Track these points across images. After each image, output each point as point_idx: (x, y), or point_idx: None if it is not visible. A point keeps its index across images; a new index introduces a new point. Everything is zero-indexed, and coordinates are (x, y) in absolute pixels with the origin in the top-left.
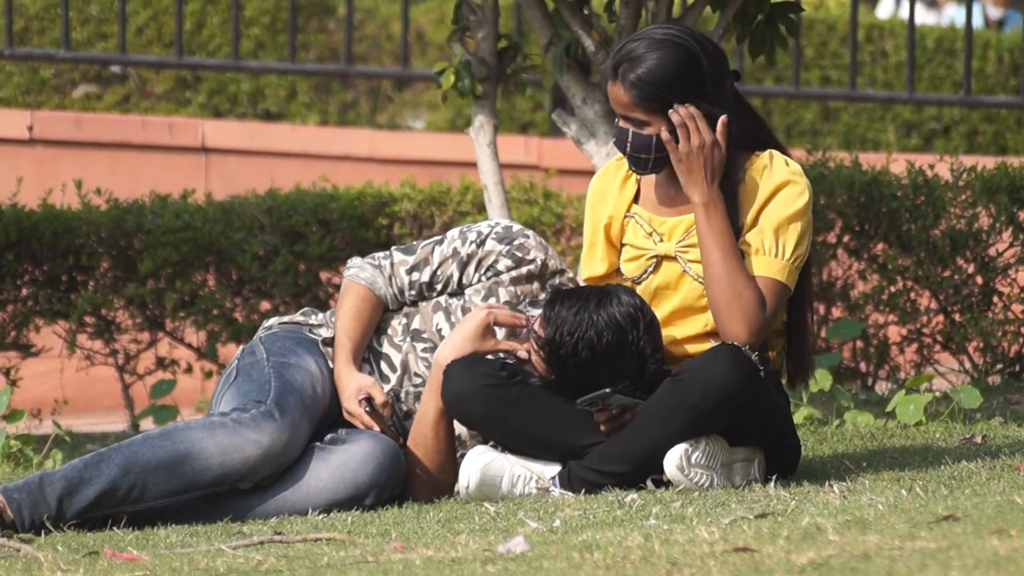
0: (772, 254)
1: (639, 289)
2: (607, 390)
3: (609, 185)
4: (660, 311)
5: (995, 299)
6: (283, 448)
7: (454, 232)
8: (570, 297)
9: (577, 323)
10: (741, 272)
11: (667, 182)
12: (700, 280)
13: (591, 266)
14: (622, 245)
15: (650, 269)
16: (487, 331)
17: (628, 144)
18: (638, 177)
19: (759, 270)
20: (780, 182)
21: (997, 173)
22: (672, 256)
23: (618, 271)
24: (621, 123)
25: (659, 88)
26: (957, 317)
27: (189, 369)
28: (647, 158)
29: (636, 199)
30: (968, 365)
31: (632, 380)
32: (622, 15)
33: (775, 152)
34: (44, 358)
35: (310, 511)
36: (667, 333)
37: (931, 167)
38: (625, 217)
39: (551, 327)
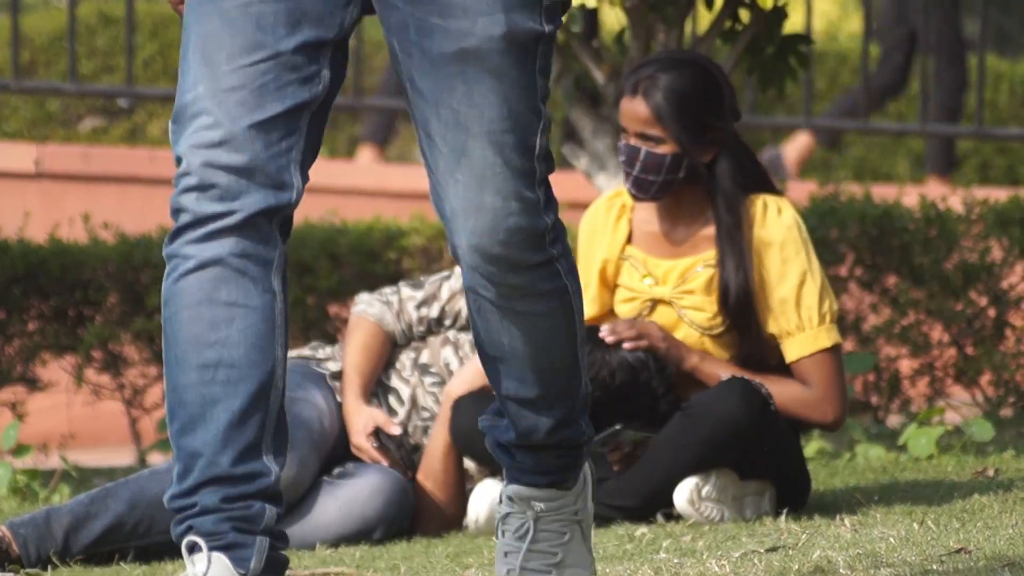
0: (803, 329)
1: None
2: (618, 427)
3: (601, 225)
4: None
5: (1008, 332)
6: (291, 483)
7: None
8: None
9: (590, 363)
10: (786, 399)
11: (661, 222)
12: (696, 327)
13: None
14: (616, 286)
15: (645, 312)
16: None
17: (639, 163)
18: (630, 216)
19: (802, 351)
20: (772, 240)
21: (1010, 205)
22: (667, 301)
23: (612, 312)
24: (632, 141)
25: (681, 101)
26: (969, 350)
27: None
28: (654, 180)
29: (630, 239)
30: (980, 398)
31: (644, 419)
32: (632, 48)
33: (767, 198)
34: (51, 392)
35: (318, 545)
36: None
37: (943, 200)
38: (619, 259)
39: None
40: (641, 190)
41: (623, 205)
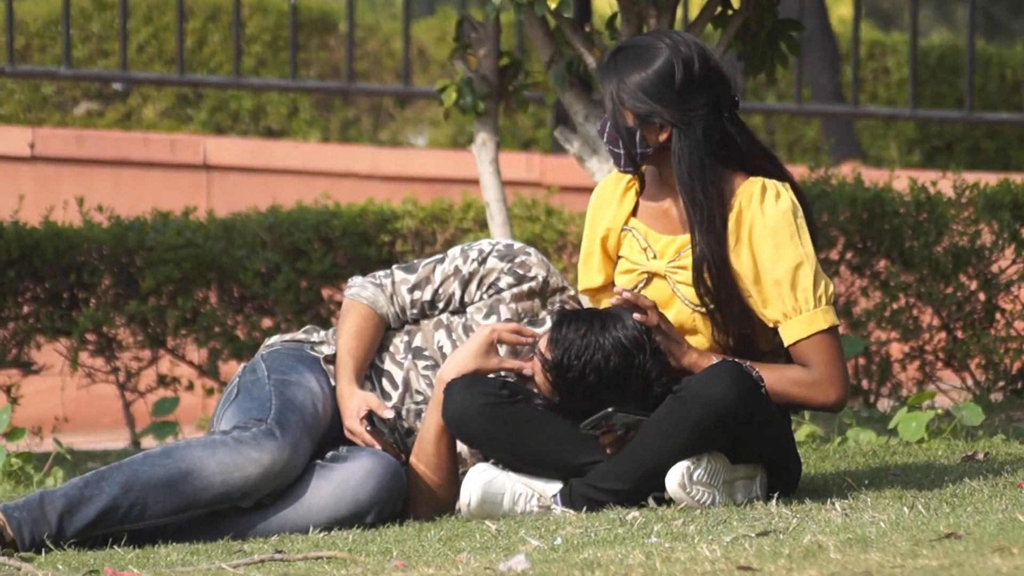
0: (800, 311)
1: None
2: (610, 410)
3: (609, 197)
4: None
5: (997, 316)
6: (284, 466)
7: (455, 250)
8: (576, 320)
9: (584, 346)
10: (786, 384)
11: (664, 198)
12: (688, 304)
13: (587, 277)
14: (619, 257)
15: (641, 284)
16: (491, 349)
17: (605, 133)
18: (638, 190)
19: (799, 333)
20: (767, 224)
21: (999, 190)
22: (662, 275)
23: (613, 284)
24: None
25: (624, 86)
26: (959, 334)
27: (190, 387)
28: (619, 153)
29: (635, 212)
30: (970, 382)
31: (637, 402)
32: (623, 32)
33: (767, 182)
34: (45, 376)
35: (311, 529)
36: None
37: (934, 184)
38: (622, 230)
39: (558, 350)
40: (614, 160)
41: (632, 179)
